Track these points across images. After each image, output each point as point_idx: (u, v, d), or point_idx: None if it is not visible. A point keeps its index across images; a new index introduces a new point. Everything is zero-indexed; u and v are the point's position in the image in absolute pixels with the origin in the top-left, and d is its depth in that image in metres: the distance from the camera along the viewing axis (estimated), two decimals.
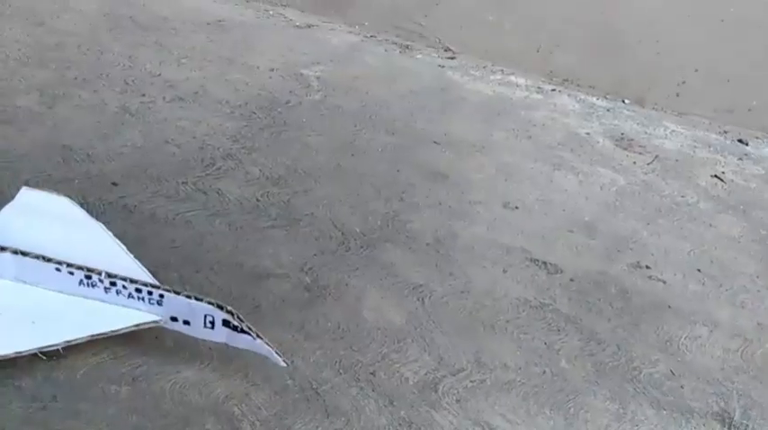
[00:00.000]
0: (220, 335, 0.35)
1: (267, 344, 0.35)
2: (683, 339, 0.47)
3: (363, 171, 0.57)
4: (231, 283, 0.37)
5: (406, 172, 0.59)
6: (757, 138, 0.86)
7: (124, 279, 0.35)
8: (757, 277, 0.57)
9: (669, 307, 0.50)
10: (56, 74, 0.62)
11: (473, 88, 0.82)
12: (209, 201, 0.48)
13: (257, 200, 0.49)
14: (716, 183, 0.72)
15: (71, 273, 0.35)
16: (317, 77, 0.73)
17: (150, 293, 0.35)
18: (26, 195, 0.40)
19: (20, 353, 0.33)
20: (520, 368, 0.41)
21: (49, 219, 0.38)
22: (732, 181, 0.73)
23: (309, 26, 0.88)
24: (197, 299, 0.35)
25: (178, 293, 0.35)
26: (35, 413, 0.32)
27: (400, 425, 0.36)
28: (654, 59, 0.85)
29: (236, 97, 0.64)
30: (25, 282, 0.35)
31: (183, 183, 0.49)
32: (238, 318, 0.35)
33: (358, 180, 0.56)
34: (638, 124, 0.82)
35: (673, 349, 0.46)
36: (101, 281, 0.35)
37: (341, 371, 0.36)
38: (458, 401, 0.38)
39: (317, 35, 0.85)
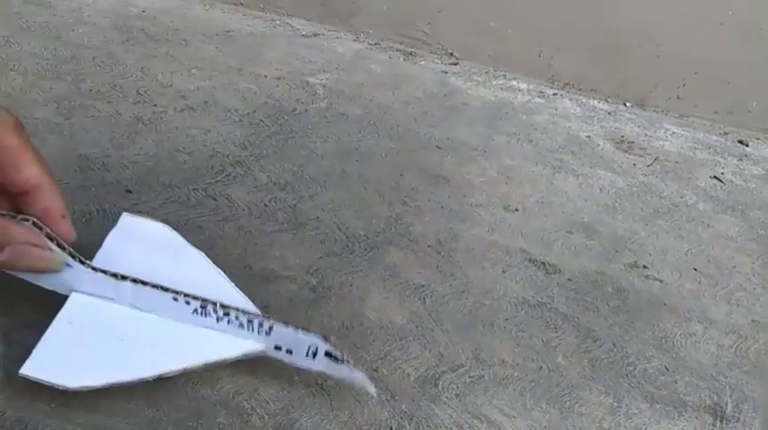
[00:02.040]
0: (320, 364, 0.36)
1: (361, 374, 0.36)
2: (677, 336, 0.48)
3: (367, 176, 0.59)
4: (241, 285, 0.39)
5: (409, 176, 0.61)
6: (758, 139, 0.87)
7: (237, 310, 0.36)
8: (753, 275, 0.58)
9: (665, 305, 0.52)
10: (72, 86, 0.64)
11: (475, 93, 0.83)
12: (219, 206, 0.50)
13: (265, 205, 0.51)
14: (715, 184, 0.73)
15: (187, 303, 0.36)
16: (323, 85, 0.75)
17: (261, 325, 0.36)
18: (126, 221, 0.41)
19: (142, 379, 0.34)
20: (517, 364, 0.42)
21: (153, 246, 0.39)
22: (731, 181, 0.74)
23: (315, 35, 0.90)
24: (304, 331, 0.36)
25: (287, 325, 0.36)
26: (57, 408, 0.34)
27: (402, 418, 0.37)
28: (654, 63, 0.86)
29: (245, 106, 0.66)
30: (140, 310, 0.36)
31: (193, 189, 0.51)
32: (340, 350, 0.36)
33: (362, 185, 0.57)
34: (638, 127, 0.83)
35: (668, 346, 0.47)
36: (215, 311, 0.36)
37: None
38: (457, 396, 0.39)
39: (323, 44, 0.87)
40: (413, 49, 0.91)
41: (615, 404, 0.41)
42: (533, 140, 0.74)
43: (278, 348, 0.36)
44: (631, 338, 0.47)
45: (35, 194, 0.32)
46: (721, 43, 0.83)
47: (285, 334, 0.36)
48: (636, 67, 0.88)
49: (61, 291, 0.36)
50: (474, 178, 0.64)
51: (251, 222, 0.50)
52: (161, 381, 0.34)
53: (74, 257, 0.35)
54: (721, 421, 0.42)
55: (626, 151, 0.77)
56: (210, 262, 0.40)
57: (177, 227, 0.47)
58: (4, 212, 0.33)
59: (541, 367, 0.43)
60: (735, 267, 0.59)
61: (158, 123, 0.60)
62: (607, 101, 0.89)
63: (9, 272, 0.34)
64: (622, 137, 0.80)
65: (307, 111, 0.69)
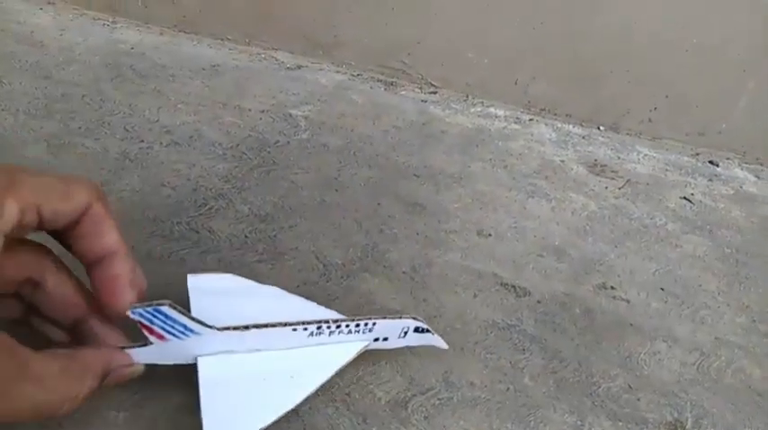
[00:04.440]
0: (409, 340, 0.42)
1: (437, 336, 0.43)
2: (642, 355, 0.50)
3: (346, 205, 0.62)
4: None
5: (387, 204, 0.64)
6: (728, 159, 0.90)
7: (345, 320, 0.40)
8: (718, 294, 0.60)
9: (631, 325, 0.54)
10: (61, 124, 0.67)
11: (453, 121, 0.86)
12: (202, 239, 0.52)
13: (246, 236, 0.54)
14: (684, 205, 0.76)
15: (304, 329, 0.39)
16: (305, 117, 0.78)
17: (366, 325, 0.40)
18: (195, 282, 0.42)
19: (296, 404, 0.37)
20: (485, 386, 0.44)
21: (235, 294, 0.42)
22: (701, 202, 0.77)
23: (299, 67, 0.93)
24: (398, 318, 0.41)
25: (385, 318, 0.41)
26: None
27: None
28: (626, 88, 0.90)
29: (229, 139, 0.69)
30: (262, 350, 0.38)
31: (177, 223, 0.54)
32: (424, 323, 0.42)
33: (340, 214, 0.60)
34: (611, 150, 0.86)
35: (632, 364, 0.49)
36: (328, 327, 0.39)
37: (318, 393, 0.40)
38: (426, 418, 0.41)
39: (306, 76, 0.90)
40: (393, 79, 0.95)
41: (579, 422, 0.43)
42: (508, 166, 0.77)
43: (376, 339, 0.42)
44: (597, 358, 0.49)
45: (108, 261, 0.32)
46: (689, 68, 0.87)
47: (385, 326, 0.41)
48: (609, 92, 0.91)
49: (184, 361, 0.37)
50: (449, 205, 0.67)
51: (231, 254, 0.52)
52: (138, 410, 0.36)
53: (201, 323, 0.36)
54: None
55: (598, 174, 0.79)
56: (286, 291, 0.44)
57: (161, 260, 0.49)
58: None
59: (508, 388, 0.45)
60: (701, 286, 0.61)
61: (144, 159, 0.63)
62: (581, 125, 0.92)
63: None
64: (595, 160, 0.83)
65: (289, 143, 0.72)
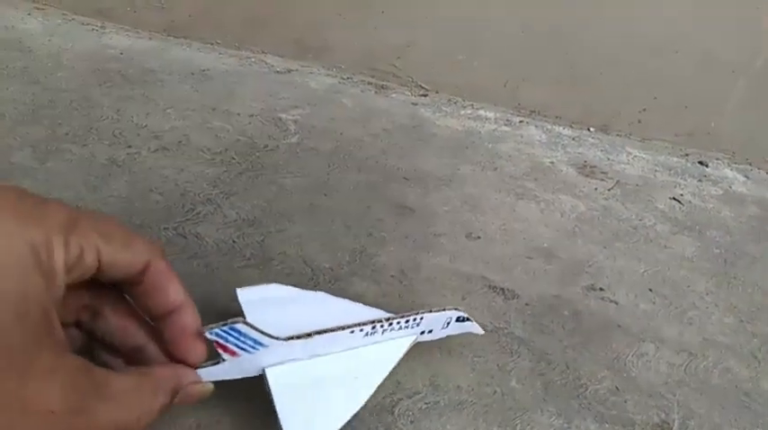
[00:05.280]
0: (450, 330, 0.44)
1: (475, 323, 0.45)
2: (630, 356, 0.51)
3: (335, 209, 0.62)
4: (205, 321, 0.41)
5: (376, 208, 0.64)
6: (717, 159, 0.90)
7: (395, 317, 0.42)
8: (707, 294, 0.61)
9: (619, 326, 0.54)
10: (48, 130, 0.66)
11: (443, 124, 0.86)
12: (189, 244, 0.52)
13: (233, 241, 0.54)
14: (674, 206, 0.76)
15: (361, 330, 0.40)
16: (295, 121, 0.78)
17: (414, 319, 0.42)
18: (246, 295, 0.43)
19: (365, 402, 0.39)
20: (472, 389, 0.44)
21: (286, 303, 0.43)
22: (690, 202, 0.77)
23: (289, 71, 0.93)
24: (442, 311, 0.43)
25: (430, 311, 0.43)
26: None
27: None
28: (616, 89, 0.90)
29: (217, 144, 0.69)
30: (318, 355, 0.39)
31: (165, 228, 0.54)
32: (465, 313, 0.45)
33: (329, 218, 0.60)
34: (601, 151, 0.86)
35: (619, 366, 0.49)
36: (381, 326, 0.41)
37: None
38: (412, 422, 0.41)
39: (296, 79, 0.90)
40: (384, 83, 0.95)
41: (566, 425, 0.43)
42: (498, 168, 0.77)
43: (423, 332, 0.44)
44: (585, 360, 0.49)
45: (176, 316, 0.32)
46: (678, 69, 0.87)
47: (431, 318, 0.43)
48: (599, 94, 0.91)
49: (252, 374, 0.38)
50: (438, 208, 0.67)
51: (219, 259, 0.52)
52: None
53: (268, 336, 0.37)
54: None
55: (588, 176, 0.80)
56: (333, 296, 0.46)
57: None
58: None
59: (495, 391, 0.45)
60: (689, 287, 0.61)
61: (132, 164, 0.63)
62: (571, 127, 0.92)
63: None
64: (585, 162, 0.83)
65: (278, 147, 0.72)
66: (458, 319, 0.44)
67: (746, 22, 0.82)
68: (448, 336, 0.46)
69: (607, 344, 0.52)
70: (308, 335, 0.39)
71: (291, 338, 0.38)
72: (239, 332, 0.35)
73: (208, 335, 0.34)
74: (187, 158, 0.66)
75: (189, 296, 0.34)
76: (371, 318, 0.41)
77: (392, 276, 0.55)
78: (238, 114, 0.77)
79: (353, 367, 0.40)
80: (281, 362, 0.38)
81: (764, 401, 0.48)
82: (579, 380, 0.47)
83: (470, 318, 0.45)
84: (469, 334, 0.46)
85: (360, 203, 0.64)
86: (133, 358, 0.34)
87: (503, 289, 0.56)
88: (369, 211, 0.63)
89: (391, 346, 0.42)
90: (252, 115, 0.78)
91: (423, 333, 0.44)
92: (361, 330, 0.41)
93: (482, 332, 0.46)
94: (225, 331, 0.34)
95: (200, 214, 0.57)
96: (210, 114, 0.76)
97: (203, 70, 0.88)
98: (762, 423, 0.46)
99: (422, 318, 0.43)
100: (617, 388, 0.47)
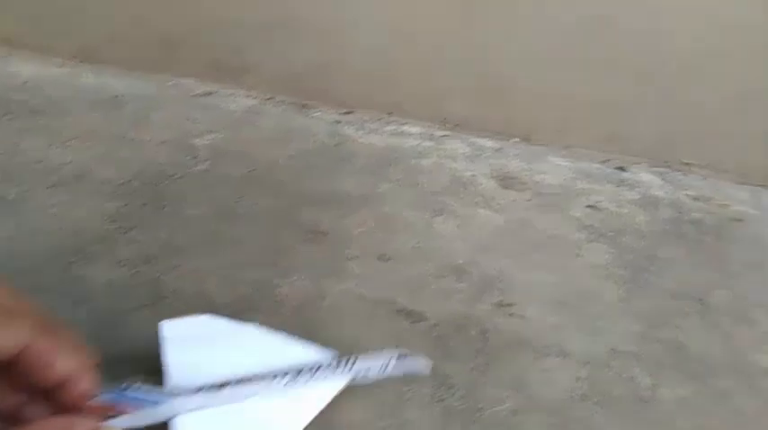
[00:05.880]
0: (393, 370, 0.42)
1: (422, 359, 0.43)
2: (533, 373, 0.50)
3: (240, 239, 0.60)
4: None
5: (285, 235, 0.62)
6: (636, 164, 0.92)
7: (324, 364, 0.40)
8: (618, 301, 0.61)
9: (526, 342, 0.54)
10: None
11: (366, 141, 0.86)
12: (74, 289, 0.50)
13: (125, 281, 0.51)
14: (590, 213, 0.77)
15: (283, 377, 0.39)
16: (207, 146, 0.76)
17: (346, 363, 0.41)
18: (170, 328, 0.42)
19: None
20: (366, 423, 0.43)
21: (213, 342, 0.42)
22: (606, 209, 0.78)
23: (208, 94, 0.91)
24: (380, 353, 0.42)
25: (366, 354, 0.41)
26: None
27: None
28: (537, 99, 0.91)
29: (121, 175, 0.66)
30: (234, 402, 0.38)
31: (49, 273, 0.51)
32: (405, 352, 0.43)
33: (233, 249, 0.58)
34: (523, 161, 0.87)
35: (522, 385, 0.49)
36: (308, 371, 0.40)
37: None
38: None
39: (215, 102, 0.88)
40: (306, 101, 0.94)
41: None
42: (418, 185, 0.77)
43: (357, 375, 0.41)
44: (487, 381, 0.49)
45: (68, 384, 0.32)
46: (594, 77, 0.89)
47: (366, 362, 0.41)
48: (521, 105, 0.92)
49: (160, 421, 0.36)
50: (353, 229, 0.66)
51: (107, 303, 0.50)
52: None
53: (173, 393, 0.36)
54: None
55: (508, 187, 0.80)
56: (266, 329, 0.44)
57: None
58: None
59: (390, 424, 0.44)
60: (599, 296, 0.62)
61: (22, 203, 0.60)
62: (495, 138, 0.93)
63: None
64: (506, 173, 0.83)
65: (186, 175, 0.70)
66: (400, 358, 0.43)
67: (656, 31, 0.85)
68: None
69: (512, 363, 0.51)
70: (221, 385, 0.37)
71: (202, 390, 0.37)
72: (135, 394, 0.34)
73: (101, 399, 0.33)
74: (85, 193, 0.63)
75: (84, 360, 0.33)
76: (304, 357, 0.41)
77: (294, 307, 0.53)
78: (148, 141, 0.75)
79: (270, 415, 0.39)
80: (192, 412, 0.37)
81: (663, 409, 0.49)
82: (479, 403, 0.47)
83: (411, 355, 0.43)
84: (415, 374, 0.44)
85: (268, 231, 0.63)
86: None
87: (409, 312, 0.55)
88: (277, 239, 0.62)
89: (316, 393, 0.41)
90: (163, 142, 0.76)
91: (357, 375, 0.42)
92: (284, 376, 0.39)
93: (428, 371, 0.45)
94: (119, 395, 0.34)
95: (92, 254, 0.55)
96: (118, 144, 0.74)
97: (115, 96, 0.85)
98: None
99: (354, 362, 0.41)
100: (517, 409, 0.47)
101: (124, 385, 0.34)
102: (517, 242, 0.68)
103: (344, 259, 0.61)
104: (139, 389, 0.35)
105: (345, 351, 0.49)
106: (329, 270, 0.59)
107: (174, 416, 0.36)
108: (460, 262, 0.63)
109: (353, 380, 0.42)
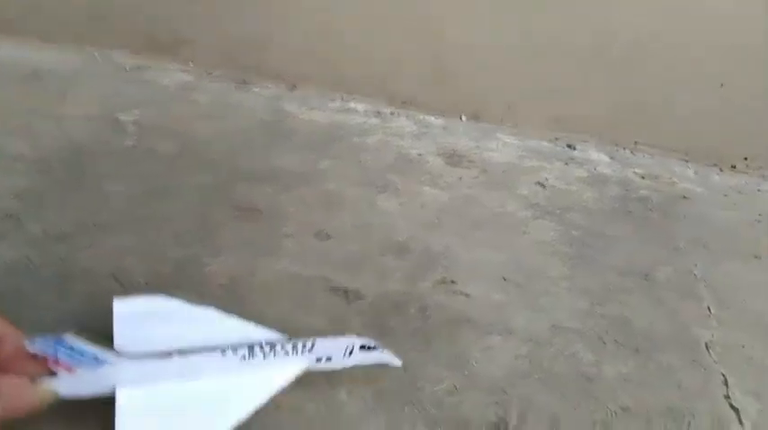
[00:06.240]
0: (355, 359, 0.40)
1: (388, 352, 0.42)
2: (474, 352, 0.48)
3: (166, 217, 0.56)
4: None
5: (217, 213, 0.58)
6: (585, 141, 0.91)
7: (280, 342, 0.38)
8: (562, 279, 0.60)
9: (468, 320, 0.52)
10: None
11: (308, 118, 0.82)
12: None
13: (29, 261, 0.47)
14: (537, 191, 0.76)
15: (234, 353, 0.37)
16: (135, 122, 0.71)
17: (304, 346, 0.39)
18: (122, 306, 0.39)
19: None
20: (294, 407, 0.40)
21: (164, 319, 0.39)
22: (554, 186, 0.77)
23: (139, 68, 0.85)
24: (341, 336, 0.41)
25: (325, 337, 0.40)
26: None
27: None
28: (486, 78, 0.89)
29: (36, 152, 0.61)
30: (189, 379, 0.35)
31: None
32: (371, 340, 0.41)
33: (157, 227, 0.54)
34: (471, 140, 0.85)
35: (462, 364, 0.47)
36: (261, 350, 0.38)
37: None
38: None
39: (146, 77, 0.83)
40: (247, 77, 0.89)
41: None
42: (362, 162, 0.74)
43: (319, 360, 0.40)
44: (425, 361, 0.47)
45: None
46: (541, 56, 0.87)
47: (326, 344, 0.40)
48: (470, 83, 0.90)
49: (104, 393, 0.34)
50: (289, 207, 0.62)
51: (7, 283, 0.45)
52: None
53: (112, 353, 0.34)
54: None
55: (455, 165, 0.78)
56: (223, 312, 0.41)
57: None
58: None
59: (319, 408, 0.41)
60: (544, 272, 0.60)
61: None
62: (443, 116, 0.90)
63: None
64: (454, 151, 0.81)
65: (110, 151, 0.65)
66: (364, 348, 0.41)
67: (597, 9, 0.83)
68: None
69: (452, 341, 0.49)
70: (169, 354, 0.35)
71: (146, 357, 0.35)
72: (69, 346, 0.33)
73: (29, 346, 0.32)
74: None
75: (5, 322, 0.32)
76: (254, 340, 0.39)
77: (220, 285, 0.50)
78: (70, 117, 0.70)
79: (222, 394, 0.36)
80: (138, 383, 0.34)
81: (605, 385, 0.47)
82: (416, 383, 0.44)
83: (378, 346, 0.42)
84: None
85: (198, 209, 0.59)
86: None
87: (346, 290, 0.52)
88: (207, 217, 0.58)
89: (275, 373, 0.38)
90: (85, 117, 0.70)
91: (319, 360, 0.40)
92: (236, 353, 0.37)
93: (399, 363, 0.43)
94: (50, 344, 0.32)
95: None
96: (36, 119, 0.68)
97: (36, 70, 0.79)
98: (601, 409, 0.45)
99: (313, 345, 0.40)
100: (455, 387, 0.45)
101: (58, 335, 0.33)
102: (462, 219, 0.66)
103: (280, 237, 0.57)
104: (76, 341, 0.33)
105: (277, 330, 0.46)
106: (263, 248, 0.55)
107: (117, 386, 0.34)
108: (402, 239, 0.61)
109: (317, 364, 0.40)
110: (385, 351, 0.41)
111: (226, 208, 0.59)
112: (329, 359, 0.40)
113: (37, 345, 0.32)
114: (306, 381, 0.43)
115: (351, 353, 0.40)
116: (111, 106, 0.73)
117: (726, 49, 0.84)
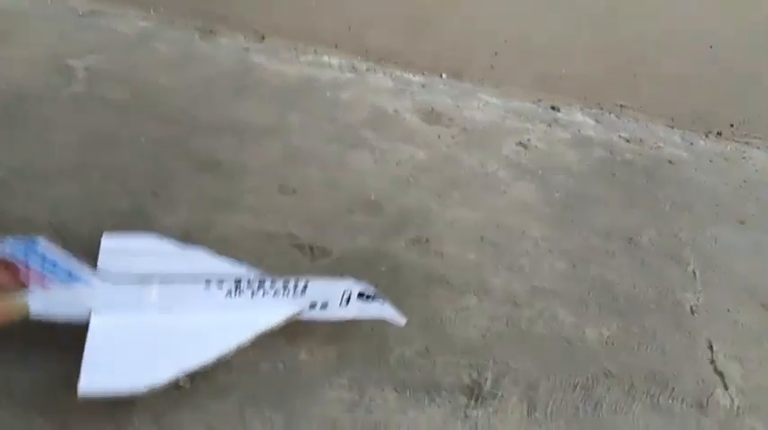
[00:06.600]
0: (353, 309, 0.37)
1: (390, 307, 0.39)
2: (448, 312, 0.45)
3: (115, 166, 0.51)
4: None
5: (171, 164, 0.53)
6: (569, 104, 0.88)
7: (269, 279, 0.36)
8: (542, 240, 0.57)
9: (442, 280, 0.48)
10: None
11: (277, 71, 0.77)
12: None
13: None
14: (519, 151, 0.72)
15: (219, 287, 0.35)
16: (86, 68, 0.65)
17: (296, 285, 0.36)
18: (110, 241, 0.39)
19: (203, 364, 0.33)
20: (246, 368, 0.36)
21: (152, 253, 0.38)
22: (536, 147, 0.74)
23: (93, 13, 0.79)
24: (337, 278, 0.37)
25: (320, 278, 0.37)
26: None
27: None
28: (468, 35, 0.85)
29: None
30: (170, 311, 0.34)
31: None
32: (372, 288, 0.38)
33: (104, 177, 0.49)
34: (451, 98, 0.81)
35: (435, 324, 0.43)
36: (248, 286, 0.35)
37: None
38: (155, 421, 0.33)
39: (102, 23, 0.77)
40: (213, 26, 0.83)
41: (357, 398, 0.37)
42: (334, 117, 0.69)
43: (313, 306, 0.36)
44: None
45: None
46: (528, 14, 0.83)
47: (320, 287, 0.36)
48: (450, 39, 0.85)
49: (77, 316, 0.32)
50: (252, 161, 0.58)
51: None
52: None
53: (88, 270, 0.33)
54: (476, 400, 0.38)
55: (433, 123, 0.73)
56: (214, 253, 0.39)
57: None
58: None
59: (276, 367, 0.37)
60: (524, 233, 0.57)
61: None
62: (423, 73, 0.85)
63: None
64: (432, 109, 0.77)
65: (56, 97, 0.59)
66: (363, 296, 0.38)
67: None
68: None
69: (425, 301, 0.45)
70: (149, 280, 0.34)
71: (125, 283, 0.33)
72: (41, 254, 0.31)
73: (5, 253, 0.31)
74: None
75: None
76: (245, 276, 0.36)
77: (173, 238, 0.45)
78: (13, 60, 0.64)
79: (200, 327, 0.34)
80: (115, 310, 0.32)
81: (587, 349, 0.44)
82: (385, 344, 0.41)
83: (381, 297, 0.38)
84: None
85: (151, 160, 0.54)
86: None
87: (311, 247, 0.48)
88: (160, 169, 0.53)
89: (262, 313, 0.36)
90: (31, 62, 0.64)
91: (314, 306, 0.37)
92: (220, 287, 0.35)
93: (403, 322, 0.39)
94: (20, 246, 0.31)
95: None
96: None
97: None
98: (582, 373, 0.42)
99: (306, 286, 0.36)
100: (427, 349, 0.41)
101: (31, 237, 0.32)
102: (439, 178, 0.62)
103: (240, 191, 0.53)
104: (49, 249, 0.32)
105: None
106: (221, 201, 0.51)
107: (92, 310, 0.32)
108: (374, 196, 0.57)
109: (312, 310, 0.37)
110: (386, 304, 0.38)
111: (182, 160, 0.55)
112: (324, 306, 0.37)
113: (7, 247, 0.31)
114: (266, 340, 0.39)
115: (348, 301, 0.37)
116: (61, 51, 0.67)
117: (717, 8, 0.81)
